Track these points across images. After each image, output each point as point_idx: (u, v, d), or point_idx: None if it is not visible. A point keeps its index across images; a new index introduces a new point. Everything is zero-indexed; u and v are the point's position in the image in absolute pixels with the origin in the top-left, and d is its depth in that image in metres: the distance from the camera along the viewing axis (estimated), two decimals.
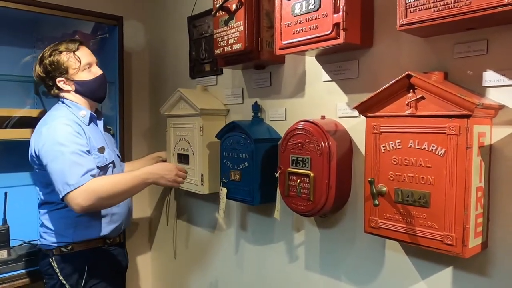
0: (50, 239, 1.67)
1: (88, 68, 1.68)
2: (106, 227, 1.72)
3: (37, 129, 1.61)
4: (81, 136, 1.58)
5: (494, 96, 1.09)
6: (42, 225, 1.70)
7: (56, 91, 1.68)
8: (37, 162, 1.60)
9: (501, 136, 1.09)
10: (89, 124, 1.68)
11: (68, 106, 1.67)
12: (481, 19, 0.97)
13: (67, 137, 1.53)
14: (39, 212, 1.72)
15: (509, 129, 1.07)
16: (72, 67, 1.64)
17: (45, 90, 1.76)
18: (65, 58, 1.63)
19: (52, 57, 1.63)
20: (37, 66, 1.66)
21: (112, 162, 1.72)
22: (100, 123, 1.78)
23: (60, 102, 1.70)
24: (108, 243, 1.76)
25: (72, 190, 1.46)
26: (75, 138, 1.55)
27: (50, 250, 1.67)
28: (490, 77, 1.09)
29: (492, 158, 1.10)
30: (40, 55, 1.67)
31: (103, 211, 1.68)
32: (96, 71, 1.72)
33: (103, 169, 1.66)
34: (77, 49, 1.67)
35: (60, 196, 1.49)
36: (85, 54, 1.69)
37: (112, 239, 1.77)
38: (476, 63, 1.11)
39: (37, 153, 1.56)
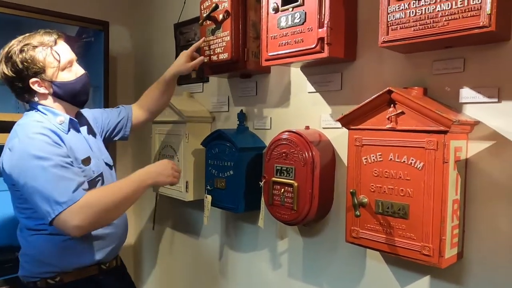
0: (32, 269, 1.38)
1: (69, 66, 1.39)
2: (101, 251, 1.43)
3: (7, 143, 1.32)
4: (61, 146, 1.31)
5: (470, 112, 1.13)
6: (22, 253, 1.42)
7: (27, 95, 1.38)
8: (9, 182, 1.33)
9: (477, 151, 1.13)
10: (68, 131, 1.40)
11: (42, 112, 1.37)
12: (458, 38, 1.02)
13: (45, 148, 1.26)
14: (18, 237, 1.44)
15: (484, 144, 1.12)
16: (50, 66, 1.34)
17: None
18: (41, 55, 1.32)
19: (24, 53, 1.31)
20: (3, 64, 1.34)
21: (101, 175, 1.45)
22: (84, 129, 1.50)
23: (31, 108, 1.40)
24: (104, 269, 1.46)
25: (65, 209, 1.20)
26: (55, 148, 1.28)
27: (33, 282, 1.37)
28: (466, 94, 1.13)
29: (468, 172, 1.15)
30: (6, 50, 1.34)
31: (96, 232, 1.40)
32: (78, 70, 1.43)
33: (90, 184, 1.38)
34: (55, 43, 1.36)
35: (49, 219, 1.21)
36: (65, 50, 1.39)
37: (108, 264, 1.48)
38: (453, 80, 1.16)
39: (8, 171, 1.28)
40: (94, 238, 1.41)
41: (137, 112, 1.76)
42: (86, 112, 1.60)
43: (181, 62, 1.70)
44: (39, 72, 1.33)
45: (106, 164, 1.55)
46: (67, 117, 1.41)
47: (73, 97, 1.42)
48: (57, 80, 1.36)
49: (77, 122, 1.47)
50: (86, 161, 1.41)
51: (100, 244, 1.43)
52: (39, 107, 1.39)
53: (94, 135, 1.56)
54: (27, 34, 1.37)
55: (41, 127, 1.31)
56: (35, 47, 1.33)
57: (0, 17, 1.96)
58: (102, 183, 1.45)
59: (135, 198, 1.38)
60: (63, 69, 1.37)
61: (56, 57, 1.35)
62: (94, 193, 1.29)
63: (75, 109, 1.48)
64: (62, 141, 1.33)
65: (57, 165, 1.25)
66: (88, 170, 1.39)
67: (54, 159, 1.25)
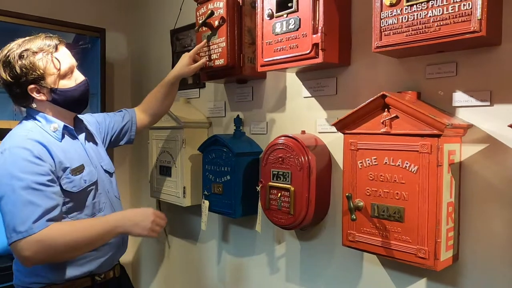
0: (23, 279, 1.35)
1: (70, 73, 1.35)
2: (94, 262, 1.37)
3: None
4: (43, 162, 1.24)
5: (463, 116, 1.15)
6: (15, 261, 1.37)
7: (24, 101, 1.34)
8: None
9: (470, 154, 1.15)
10: (62, 139, 1.35)
11: (36, 120, 1.34)
12: (450, 43, 1.03)
13: (21, 165, 1.21)
14: None
15: (477, 147, 1.13)
16: (50, 73, 1.30)
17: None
18: (41, 62, 1.28)
19: (23, 59, 1.27)
20: (1, 68, 1.30)
21: (94, 184, 1.38)
22: (82, 135, 1.45)
23: (28, 115, 1.37)
24: (99, 281, 1.40)
25: (20, 239, 1.16)
26: (33, 166, 1.22)
27: None
28: (459, 97, 1.15)
29: (462, 175, 1.16)
30: (4, 54, 1.29)
31: None
32: (78, 77, 1.39)
33: (81, 194, 1.34)
34: (56, 49, 1.32)
35: (8, 243, 1.20)
36: (66, 56, 1.35)
37: (103, 275, 1.41)
38: (446, 84, 1.18)
39: None
40: None
41: (140, 115, 1.74)
42: (88, 117, 1.59)
43: (184, 64, 1.70)
44: (38, 78, 1.29)
45: (106, 171, 1.50)
46: (61, 124, 1.36)
47: (71, 104, 1.38)
48: (56, 88, 1.33)
49: (72, 128, 1.41)
50: (77, 170, 1.34)
51: (93, 255, 1.36)
52: (35, 114, 1.35)
53: (94, 141, 1.52)
54: (27, 38, 1.32)
55: (27, 139, 1.27)
56: (35, 53, 1.28)
57: None
58: (96, 191, 1.39)
59: (100, 242, 1.32)
60: (63, 77, 1.33)
61: (56, 65, 1.31)
62: (56, 228, 1.22)
63: (73, 115, 1.44)
64: (50, 153, 1.28)
65: (28, 187, 1.20)
66: (77, 180, 1.33)
67: (26, 179, 1.21)
